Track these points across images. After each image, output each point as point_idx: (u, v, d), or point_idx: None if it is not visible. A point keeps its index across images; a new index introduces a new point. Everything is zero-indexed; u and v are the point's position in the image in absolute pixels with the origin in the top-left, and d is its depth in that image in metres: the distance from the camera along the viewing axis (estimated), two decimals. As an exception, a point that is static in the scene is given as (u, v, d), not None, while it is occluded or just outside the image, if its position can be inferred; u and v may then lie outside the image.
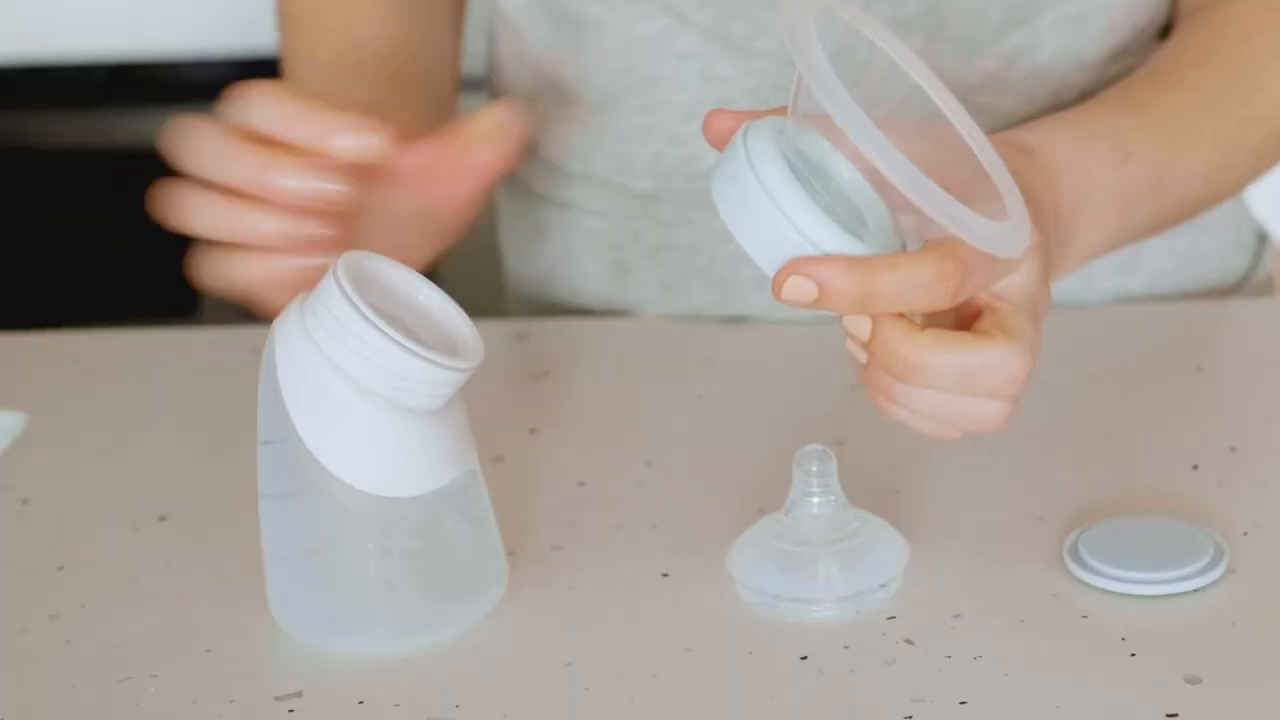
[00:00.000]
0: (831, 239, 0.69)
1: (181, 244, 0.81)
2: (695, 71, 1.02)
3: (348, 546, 0.75)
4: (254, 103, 0.80)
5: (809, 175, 0.70)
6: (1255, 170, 0.94)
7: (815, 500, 0.77)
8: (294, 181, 0.78)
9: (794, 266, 0.69)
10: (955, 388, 0.71)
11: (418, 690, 0.73)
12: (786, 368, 0.97)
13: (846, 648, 0.74)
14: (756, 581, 0.77)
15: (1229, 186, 0.94)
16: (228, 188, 0.79)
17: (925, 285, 0.69)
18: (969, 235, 0.68)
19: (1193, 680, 0.71)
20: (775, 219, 0.69)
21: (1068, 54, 1.02)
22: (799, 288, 0.69)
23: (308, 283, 0.73)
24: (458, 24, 1.07)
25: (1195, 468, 0.85)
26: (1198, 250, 1.09)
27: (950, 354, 0.71)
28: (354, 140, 0.77)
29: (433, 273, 0.79)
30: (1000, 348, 0.71)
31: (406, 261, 0.75)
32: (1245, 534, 0.80)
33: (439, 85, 1.01)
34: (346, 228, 0.80)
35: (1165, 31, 1.07)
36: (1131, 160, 0.84)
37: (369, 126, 0.78)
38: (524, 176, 1.11)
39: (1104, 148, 0.83)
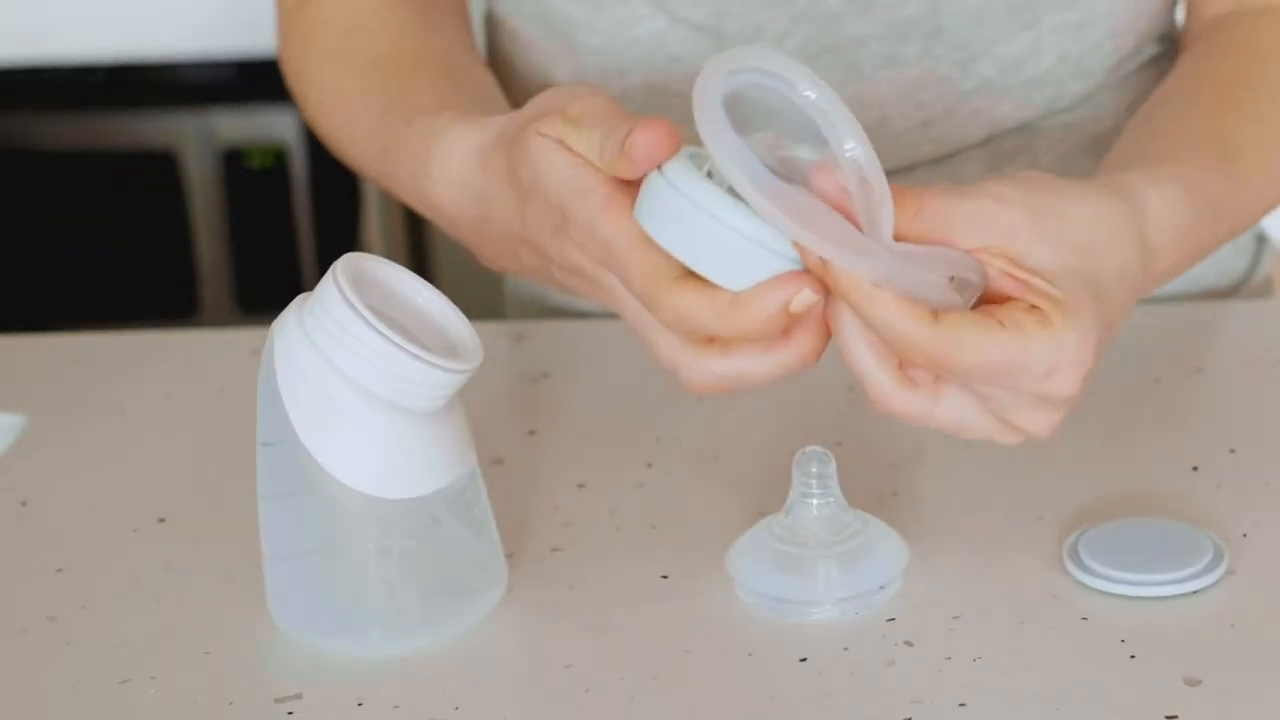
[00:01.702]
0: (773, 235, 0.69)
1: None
2: (688, 74, 1.02)
3: (347, 548, 0.75)
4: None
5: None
6: None
7: (815, 502, 0.77)
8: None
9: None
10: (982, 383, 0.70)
11: (417, 691, 0.73)
12: (786, 369, 0.97)
13: (846, 649, 0.74)
14: (756, 583, 0.77)
15: (1272, 211, 0.92)
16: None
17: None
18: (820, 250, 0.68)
19: (1192, 682, 0.71)
20: (718, 232, 0.69)
21: (1068, 61, 1.02)
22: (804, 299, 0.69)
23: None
24: (469, 27, 1.06)
25: (1195, 469, 0.85)
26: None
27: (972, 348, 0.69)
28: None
29: (431, 274, 0.79)
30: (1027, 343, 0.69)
31: None
32: (1245, 535, 0.80)
33: (484, 83, 1.00)
34: None
35: (1162, 38, 1.07)
36: (1219, 220, 0.81)
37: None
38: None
39: (1205, 215, 0.80)
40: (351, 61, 1.00)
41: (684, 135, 0.70)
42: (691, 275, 0.70)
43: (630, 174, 0.72)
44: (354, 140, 0.98)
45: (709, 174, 0.71)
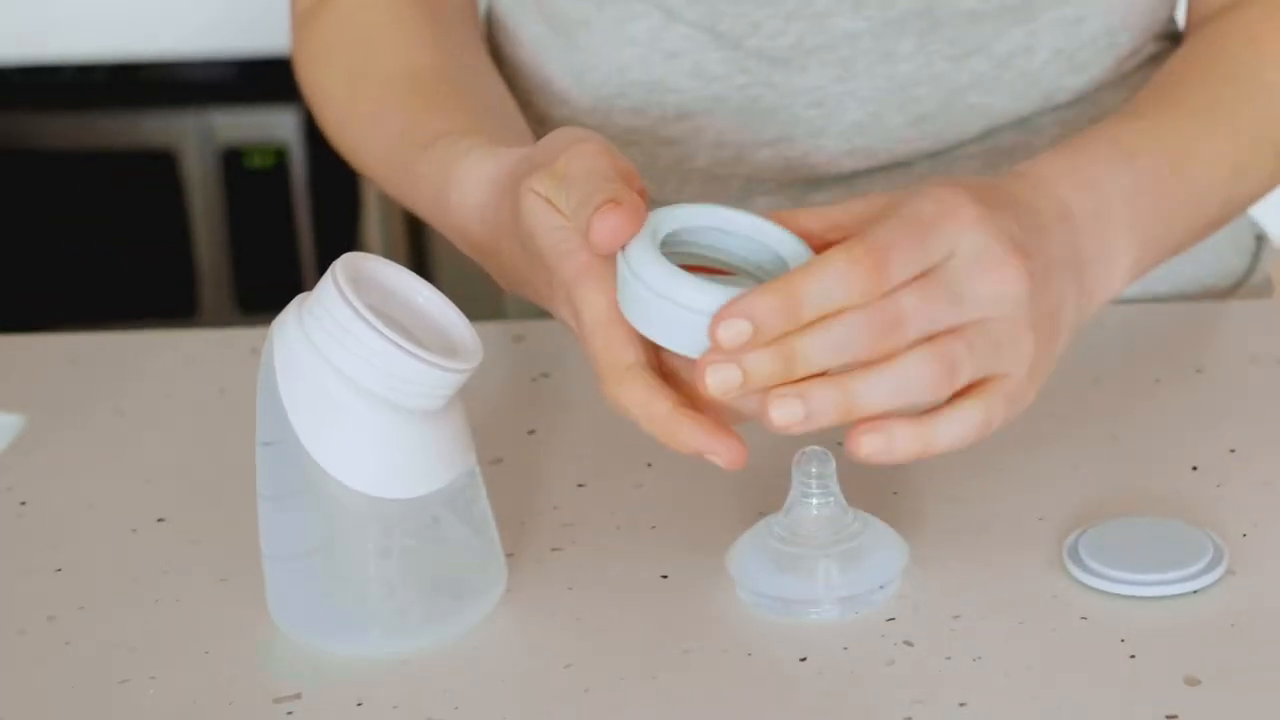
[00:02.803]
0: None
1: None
2: (686, 70, 1.02)
3: (346, 547, 0.75)
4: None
5: (706, 245, 0.74)
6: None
7: (815, 502, 0.77)
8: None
9: (725, 313, 0.69)
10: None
11: (417, 691, 0.73)
12: (786, 368, 0.97)
13: (846, 649, 0.74)
14: (756, 583, 0.77)
15: (1255, 184, 0.92)
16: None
17: (843, 277, 0.69)
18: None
19: (1192, 681, 0.71)
20: (680, 315, 0.70)
21: (1063, 56, 1.02)
22: (734, 330, 0.69)
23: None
24: (479, 35, 1.06)
25: (1195, 469, 0.85)
26: (1193, 252, 1.08)
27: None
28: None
29: (431, 274, 0.79)
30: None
31: None
32: (1244, 535, 0.80)
33: (498, 97, 1.00)
34: None
35: (1162, 36, 1.07)
36: (1138, 158, 0.83)
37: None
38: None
39: (1103, 152, 0.82)
40: (366, 80, 1.00)
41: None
42: (640, 370, 0.72)
43: (597, 252, 0.73)
44: (373, 159, 0.98)
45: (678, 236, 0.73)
